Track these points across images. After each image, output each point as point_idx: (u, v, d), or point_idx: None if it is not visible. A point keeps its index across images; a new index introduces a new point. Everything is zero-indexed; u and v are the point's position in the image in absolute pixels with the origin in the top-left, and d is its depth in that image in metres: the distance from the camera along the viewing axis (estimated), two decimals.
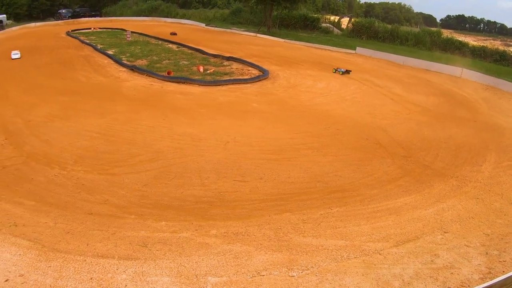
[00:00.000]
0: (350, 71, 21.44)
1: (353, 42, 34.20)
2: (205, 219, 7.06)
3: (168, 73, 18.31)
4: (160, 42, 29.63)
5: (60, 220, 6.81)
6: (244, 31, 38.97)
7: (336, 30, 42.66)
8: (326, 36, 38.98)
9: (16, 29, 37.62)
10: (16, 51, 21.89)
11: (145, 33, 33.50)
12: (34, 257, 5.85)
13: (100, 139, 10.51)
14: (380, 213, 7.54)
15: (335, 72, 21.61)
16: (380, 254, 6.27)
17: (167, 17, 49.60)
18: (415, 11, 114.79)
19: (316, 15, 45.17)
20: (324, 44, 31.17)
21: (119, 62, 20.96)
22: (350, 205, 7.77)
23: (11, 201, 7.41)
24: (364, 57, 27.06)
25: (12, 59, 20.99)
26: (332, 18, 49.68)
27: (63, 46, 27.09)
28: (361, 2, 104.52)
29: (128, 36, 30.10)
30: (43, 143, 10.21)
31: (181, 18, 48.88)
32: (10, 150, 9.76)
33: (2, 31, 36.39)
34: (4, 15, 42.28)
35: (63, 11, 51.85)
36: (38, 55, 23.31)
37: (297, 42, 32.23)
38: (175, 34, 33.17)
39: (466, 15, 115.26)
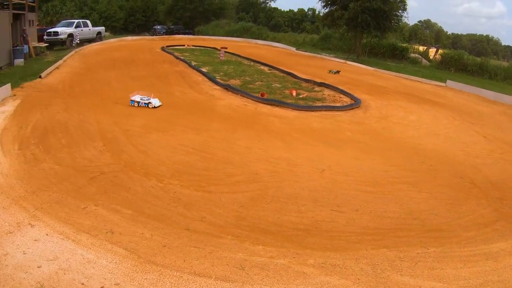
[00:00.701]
0: (340, 71, 28.28)
1: (441, 74, 33.54)
2: (302, 247, 6.82)
3: (262, 94, 18.45)
4: (252, 63, 30.20)
5: (156, 232, 6.83)
6: (333, 57, 39.22)
7: (424, 61, 42.12)
8: (414, 66, 38.46)
9: (114, 41, 39.98)
10: (150, 98, 15.50)
11: (237, 53, 34.26)
12: (130, 267, 5.86)
13: (196, 155, 10.64)
14: (477, 257, 6.96)
15: (329, 73, 27.96)
16: None
17: (258, 38, 50.59)
18: (503, 44, 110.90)
19: (404, 45, 45.21)
20: (412, 75, 30.55)
21: (213, 80, 21.46)
22: (446, 246, 7.24)
23: (108, 207, 7.56)
24: (454, 91, 26.13)
25: (154, 107, 15.34)
26: (420, 48, 48.79)
27: (159, 61, 28.23)
28: (448, 33, 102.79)
29: (222, 55, 30.86)
30: (141, 153, 10.49)
31: (271, 41, 49.62)
32: (108, 157, 10.09)
33: (100, 42, 38.73)
34: (103, 27, 45.04)
35: (158, 27, 54.57)
36: (135, 67, 24.41)
37: (386, 72, 31.84)
38: (225, 48, 33.63)
39: None
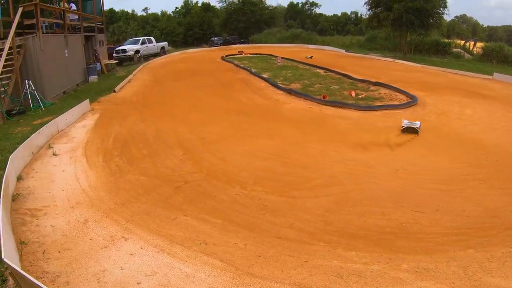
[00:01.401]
0: (312, 56, 33.25)
1: (484, 66, 31.99)
2: (393, 251, 6.20)
3: (324, 97, 17.82)
4: (308, 67, 29.36)
5: (249, 241, 6.32)
6: (381, 56, 38.01)
7: (467, 55, 40.67)
8: (457, 61, 36.82)
9: (177, 54, 40.53)
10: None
11: (292, 58, 33.61)
12: (229, 280, 5.37)
13: (274, 160, 10.09)
14: None
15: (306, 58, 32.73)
16: None
17: (308, 43, 50.02)
18: None
19: (447, 41, 44.06)
20: (458, 69, 28.88)
21: (275, 85, 20.94)
22: None
23: (197, 217, 7.12)
24: (502, 83, 24.11)
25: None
26: (459, 42, 47.27)
27: (221, 69, 28.04)
28: (484, 26, 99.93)
29: (279, 61, 30.36)
30: (220, 160, 10.04)
31: (320, 44, 48.96)
32: (189, 166, 9.70)
33: (165, 56, 39.39)
34: (166, 42, 45.80)
35: (215, 38, 54.94)
36: (200, 77, 24.26)
37: (434, 67, 30.30)
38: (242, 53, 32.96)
39: None
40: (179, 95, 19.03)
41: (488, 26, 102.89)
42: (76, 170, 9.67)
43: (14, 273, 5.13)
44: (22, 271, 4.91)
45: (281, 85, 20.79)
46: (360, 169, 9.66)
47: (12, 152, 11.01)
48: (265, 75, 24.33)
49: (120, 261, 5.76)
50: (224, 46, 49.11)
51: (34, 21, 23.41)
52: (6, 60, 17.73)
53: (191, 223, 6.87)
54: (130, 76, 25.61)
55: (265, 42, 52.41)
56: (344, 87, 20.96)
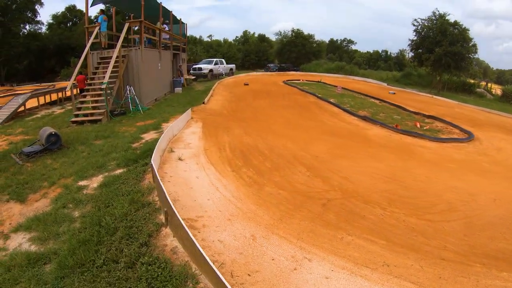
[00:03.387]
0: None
1: (505, 106, 32.11)
2: None
3: (396, 126, 17.08)
4: (363, 96, 28.42)
5: (422, 263, 5.71)
6: (417, 91, 37.30)
7: (488, 95, 40.92)
8: (482, 100, 36.75)
9: (243, 76, 40.65)
10: None
11: (345, 87, 32.76)
12: None
13: (392, 183, 9.37)
14: None
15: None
16: None
17: (350, 75, 49.96)
18: None
19: (473, 81, 44.39)
20: (486, 107, 28.06)
21: (348, 111, 20.20)
22: None
23: (361, 237, 6.43)
24: None
25: None
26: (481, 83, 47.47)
27: (289, 93, 27.50)
28: (494, 69, 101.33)
29: (339, 89, 29.63)
30: (344, 180, 9.32)
31: (361, 77, 48.42)
32: (320, 183, 9.00)
33: (233, 76, 39.63)
34: (234, 65, 46.27)
35: (271, 65, 54.83)
36: (275, 97, 23.85)
37: (467, 105, 29.31)
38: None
39: None
40: (266, 113, 18.53)
41: (497, 69, 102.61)
42: (210, 177, 8.98)
43: None
44: None
45: (354, 112, 20.06)
46: (466, 197, 8.95)
47: (125, 150, 11.31)
48: (332, 101, 23.64)
49: (321, 286, 5.06)
50: (281, 72, 48.95)
51: (133, 36, 23.77)
52: (113, 67, 17.88)
53: (359, 243, 6.22)
54: (211, 92, 25.47)
55: (314, 71, 52.13)
56: (404, 117, 20.18)
